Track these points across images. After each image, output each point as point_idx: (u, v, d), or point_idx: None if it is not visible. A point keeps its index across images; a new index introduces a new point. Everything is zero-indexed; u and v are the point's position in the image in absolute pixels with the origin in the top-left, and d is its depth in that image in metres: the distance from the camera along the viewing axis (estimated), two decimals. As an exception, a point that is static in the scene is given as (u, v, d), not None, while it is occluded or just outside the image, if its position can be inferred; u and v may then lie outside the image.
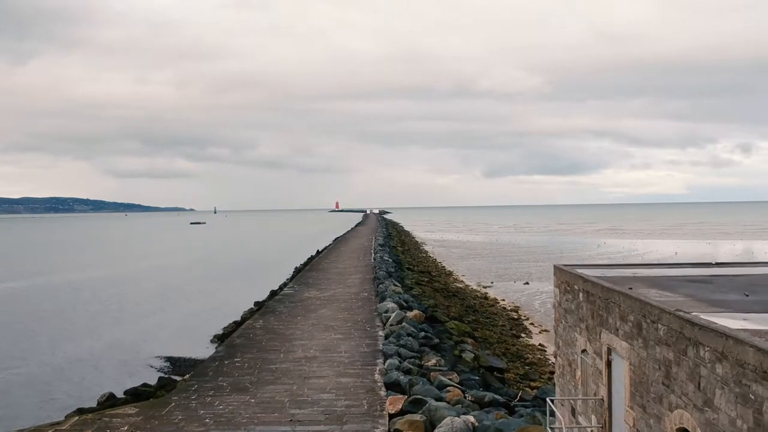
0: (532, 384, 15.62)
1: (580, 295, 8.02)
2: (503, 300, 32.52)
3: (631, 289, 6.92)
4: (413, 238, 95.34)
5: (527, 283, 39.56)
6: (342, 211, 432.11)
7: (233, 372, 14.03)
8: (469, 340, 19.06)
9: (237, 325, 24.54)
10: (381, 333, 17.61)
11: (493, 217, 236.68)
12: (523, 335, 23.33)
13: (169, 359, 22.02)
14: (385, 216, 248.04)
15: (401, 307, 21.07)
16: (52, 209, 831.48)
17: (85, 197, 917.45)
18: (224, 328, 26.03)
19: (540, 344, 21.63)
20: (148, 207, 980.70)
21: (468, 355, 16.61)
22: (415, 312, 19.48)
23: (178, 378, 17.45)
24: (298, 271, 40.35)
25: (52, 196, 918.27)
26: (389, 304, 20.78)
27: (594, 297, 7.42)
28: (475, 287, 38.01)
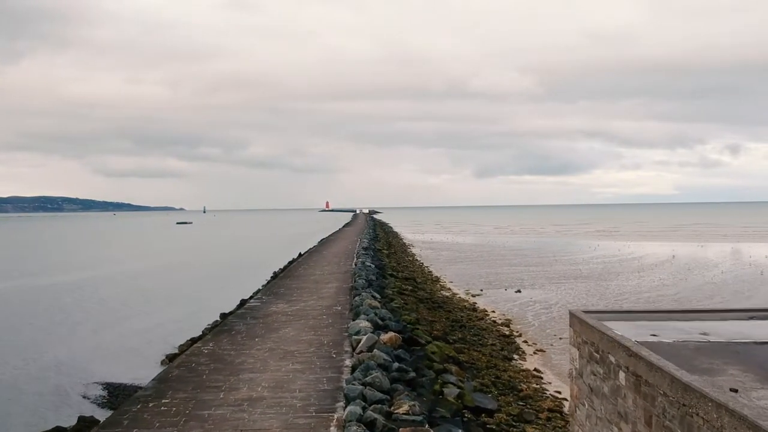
0: (528, 430, 12.83)
1: (622, 375, 5.02)
2: (493, 311, 29.74)
3: (736, 392, 3.96)
4: (401, 239, 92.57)
5: (519, 291, 36.83)
6: (332, 210, 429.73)
7: (154, 421, 11.15)
8: (454, 368, 16.26)
9: (192, 341, 21.80)
10: (348, 362, 14.76)
11: (483, 218, 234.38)
12: (515, 357, 20.55)
13: (107, 386, 19.13)
14: (375, 216, 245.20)
15: (376, 327, 18.24)
16: (41, 208, 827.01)
17: (74, 196, 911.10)
18: (180, 346, 23.20)
19: (535, 369, 18.86)
20: (139, 206, 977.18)
21: (451, 392, 13.81)
22: (390, 335, 16.63)
23: (104, 415, 14.60)
24: (274, 276, 37.62)
25: (41, 195, 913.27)
26: (362, 323, 17.94)
27: (654, 390, 4.34)
28: (463, 296, 35.23)
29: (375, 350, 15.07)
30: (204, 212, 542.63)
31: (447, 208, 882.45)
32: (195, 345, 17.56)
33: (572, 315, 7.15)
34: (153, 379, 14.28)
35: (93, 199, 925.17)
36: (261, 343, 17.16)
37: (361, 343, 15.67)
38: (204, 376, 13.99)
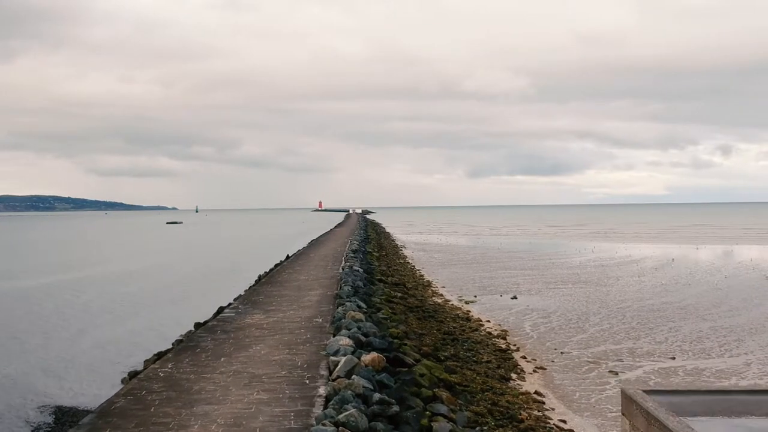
0: (532, 476, 10.85)
1: None
2: (488, 321, 27.73)
3: None
4: (393, 240, 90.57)
5: (515, 298, 34.83)
6: (325, 210, 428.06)
7: (77, 473, 9.15)
8: (445, 395, 14.26)
9: (158, 356, 19.72)
10: (323, 390, 12.75)
11: (477, 218, 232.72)
12: (513, 376, 18.54)
13: (56, 410, 17.04)
14: (368, 216, 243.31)
15: (358, 344, 16.26)
16: (32, 207, 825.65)
17: (66, 195, 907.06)
18: (146, 361, 21.14)
19: (536, 392, 16.85)
20: (131, 206, 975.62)
21: (441, 427, 11.83)
22: (373, 356, 14.62)
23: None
24: (258, 280, 35.59)
25: (33, 194, 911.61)
26: (342, 340, 15.96)
27: None
28: (456, 303, 33.22)
29: (354, 376, 13.08)
30: (196, 212, 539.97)
31: (440, 208, 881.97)
32: (152, 366, 15.49)
33: (629, 399, 4.98)
34: (92, 412, 12.24)
35: (85, 198, 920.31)
36: (226, 365, 15.13)
37: (339, 366, 13.68)
38: (152, 409, 11.96)
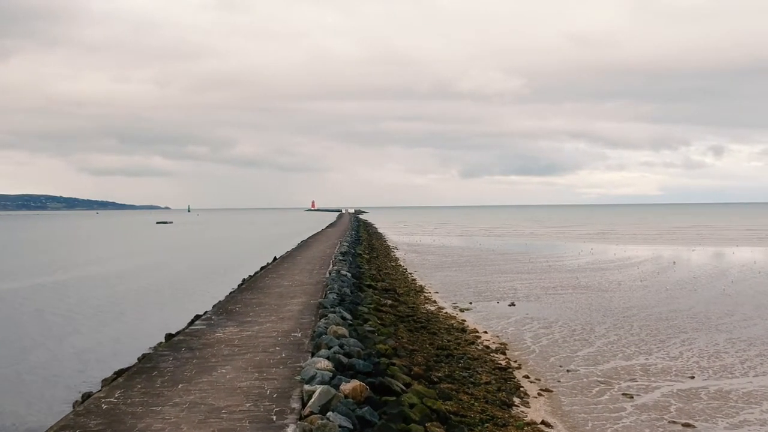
0: None
1: None
2: (485, 332, 25.55)
3: None
4: (385, 241, 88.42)
5: (513, 305, 32.70)
6: (318, 210, 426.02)
7: None
8: (438, 431, 12.10)
9: (117, 374, 17.52)
10: (291, 431, 10.59)
11: (471, 218, 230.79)
12: (516, 401, 16.35)
13: (-10, 442, 14.85)
14: (361, 216, 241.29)
15: (338, 368, 14.12)
16: (24, 206, 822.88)
17: (58, 194, 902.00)
18: (104, 380, 18.95)
19: (543, 422, 14.69)
20: (123, 205, 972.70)
21: (433, 480, 9.68)
22: (354, 384, 12.48)
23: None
24: (239, 285, 33.43)
25: (25, 193, 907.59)
26: (320, 363, 13.81)
27: None
28: (450, 311, 31.04)
29: (330, 413, 10.94)
30: (189, 211, 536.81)
31: (434, 207, 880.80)
32: (96, 395, 13.26)
33: None
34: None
35: (77, 197, 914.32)
36: (183, 393, 12.94)
37: (313, 399, 11.51)
38: (81, 456, 9.81)
